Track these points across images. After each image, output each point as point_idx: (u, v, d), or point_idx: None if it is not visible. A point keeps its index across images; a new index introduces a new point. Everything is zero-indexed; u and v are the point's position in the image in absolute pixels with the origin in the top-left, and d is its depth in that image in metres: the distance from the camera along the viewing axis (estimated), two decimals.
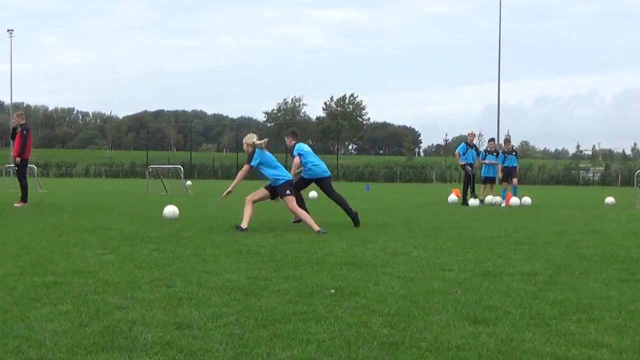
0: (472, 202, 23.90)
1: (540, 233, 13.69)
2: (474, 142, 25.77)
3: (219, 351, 4.91)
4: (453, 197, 26.40)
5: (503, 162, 25.57)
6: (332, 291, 7.13)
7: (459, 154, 24.81)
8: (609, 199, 27.09)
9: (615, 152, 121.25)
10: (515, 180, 25.47)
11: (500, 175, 25.92)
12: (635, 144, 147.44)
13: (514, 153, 25.85)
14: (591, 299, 6.86)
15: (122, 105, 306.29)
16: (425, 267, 8.95)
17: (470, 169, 24.43)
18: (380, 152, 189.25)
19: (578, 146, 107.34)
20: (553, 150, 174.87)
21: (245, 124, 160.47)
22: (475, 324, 5.81)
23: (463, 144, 25.15)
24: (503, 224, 16.04)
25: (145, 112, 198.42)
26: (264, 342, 5.16)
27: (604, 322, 5.91)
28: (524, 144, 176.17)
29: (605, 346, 5.13)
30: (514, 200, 24.36)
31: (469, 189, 24.51)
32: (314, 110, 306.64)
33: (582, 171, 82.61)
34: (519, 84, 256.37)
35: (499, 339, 5.29)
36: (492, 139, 27.62)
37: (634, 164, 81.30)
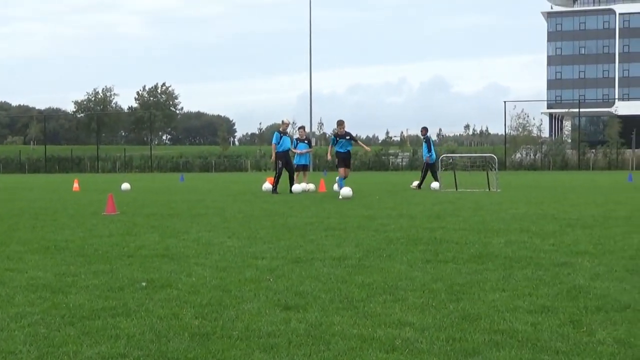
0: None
1: (351, 218, 14.07)
2: (288, 130, 25.88)
3: (22, 352, 4.72)
4: (267, 186, 26.59)
5: (335, 145, 23.67)
6: (144, 284, 7.04)
7: (275, 144, 24.82)
8: (435, 185, 27.51)
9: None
10: (346, 170, 23.25)
11: (329, 158, 25.53)
12: (440, 130, 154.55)
13: (347, 137, 23.08)
14: (397, 280, 7.14)
15: None
16: (238, 256, 9.00)
17: (280, 163, 24.63)
18: (195, 141, 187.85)
19: (387, 133, 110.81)
20: (364, 137, 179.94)
21: (53, 115, 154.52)
22: (286, 310, 5.90)
23: (276, 133, 25.23)
24: (315, 210, 16.35)
25: None
26: (71, 340, 5.02)
27: (408, 301, 6.17)
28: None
29: (408, 325, 5.36)
30: (346, 191, 21.23)
31: (280, 178, 24.85)
32: (126, 100, 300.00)
33: (391, 157, 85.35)
34: (332, 72, 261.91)
35: (309, 324, 5.41)
36: (301, 127, 27.80)
37: (440, 149, 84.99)
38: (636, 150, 79.85)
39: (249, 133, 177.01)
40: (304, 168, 26.22)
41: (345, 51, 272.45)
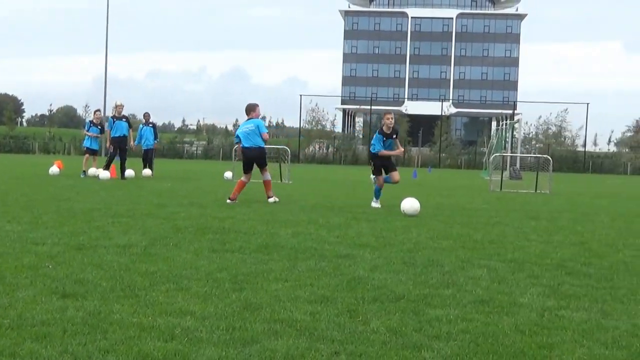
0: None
1: (141, 206, 13.83)
2: (123, 112, 24.65)
3: None
4: (55, 169, 25.67)
5: (382, 146, 16.72)
6: None
7: (109, 130, 23.87)
8: (228, 174, 27.55)
9: (218, 127, 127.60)
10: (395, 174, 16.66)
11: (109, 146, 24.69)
12: (237, 120, 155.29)
13: (394, 136, 16.37)
14: (182, 269, 7.09)
15: None
16: (17, 241, 8.60)
17: (111, 148, 23.87)
18: None
19: (184, 120, 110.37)
20: (160, 124, 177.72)
21: None
22: (64, 298, 5.71)
23: (110, 118, 24.35)
24: (104, 196, 15.94)
25: None
26: None
27: (191, 290, 6.14)
28: (132, 116, 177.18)
29: (189, 314, 5.33)
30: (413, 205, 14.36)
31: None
32: None
33: (186, 145, 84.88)
34: (131, 56, 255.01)
35: (87, 312, 5.26)
36: (97, 110, 27.07)
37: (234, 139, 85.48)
38: (422, 148, 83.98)
39: (39, 114, 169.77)
40: (94, 152, 25.52)
41: (145, 35, 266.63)
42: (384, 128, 15.96)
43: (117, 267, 7.11)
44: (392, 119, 16.09)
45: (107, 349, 4.42)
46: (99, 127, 25.50)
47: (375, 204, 16.06)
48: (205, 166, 47.44)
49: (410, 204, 14.03)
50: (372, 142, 16.27)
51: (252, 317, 5.31)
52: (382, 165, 16.14)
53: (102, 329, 4.85)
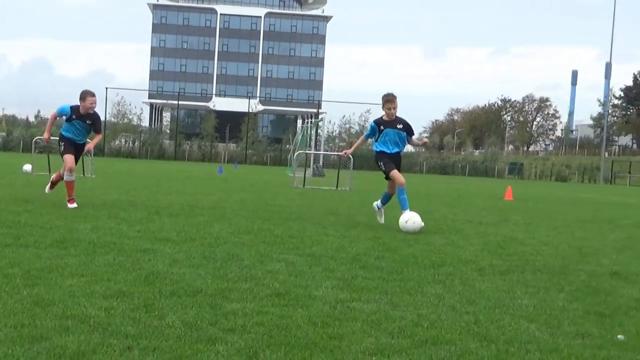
0: None
1: None
2: None
3: None
4: None
5: (374, 138, 13.79)
6: None
7: None
8: (27, 167, 26.54)
9: (19, 118, 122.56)
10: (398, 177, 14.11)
11: None
12: (39, 111, 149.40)
13: (399, 126, 13.13)
14: None
15: None
16: None
17: None
18: None
19: None
20: None
21: None
22: None
23: None
24: None
25: None
26: None
27: None
28: None
29: None
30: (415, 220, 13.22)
31: None
32: None
33: None
34: None
35: None
36: None
37: (37, 131, 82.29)
38: (228, 144, 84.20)
39: None
40: None
41: None
42: (384, 117, 12.64)
43: None
44: (394, 108, 12.52)
45: None
46: None
47: (380, 219, 13.52)
48: (3, 158, 45.33)
49: (410, 221, 11.97)
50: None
51: (43, 314, 5.16)
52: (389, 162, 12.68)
53: None
